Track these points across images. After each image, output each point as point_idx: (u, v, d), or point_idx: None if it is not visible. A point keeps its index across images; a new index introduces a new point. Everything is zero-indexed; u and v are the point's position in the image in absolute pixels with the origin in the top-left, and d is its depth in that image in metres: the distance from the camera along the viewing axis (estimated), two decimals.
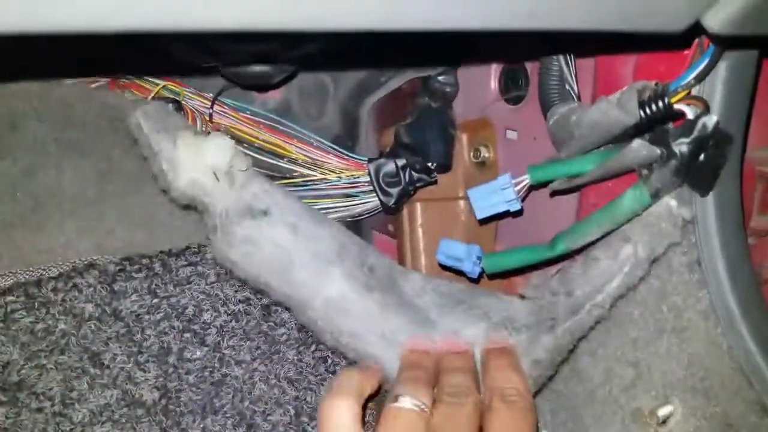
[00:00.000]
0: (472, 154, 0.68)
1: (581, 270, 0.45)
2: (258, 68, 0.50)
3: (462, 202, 0.69)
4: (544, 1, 0.26)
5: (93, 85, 0.61)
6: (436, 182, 0.66)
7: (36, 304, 0.47)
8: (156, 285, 0.50)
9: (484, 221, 0.49)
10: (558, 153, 0.47)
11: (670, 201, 0.42)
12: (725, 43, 0.37)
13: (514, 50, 0.59)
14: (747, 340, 0.43)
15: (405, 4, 0.24)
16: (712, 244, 0.43)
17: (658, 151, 0.40)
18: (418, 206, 0.69)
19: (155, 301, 0.50)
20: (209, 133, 0.61)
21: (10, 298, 0.47)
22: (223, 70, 0.51)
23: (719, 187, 0.43)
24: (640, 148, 0.41)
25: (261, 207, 0.44)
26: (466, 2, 0.24)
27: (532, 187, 0.48)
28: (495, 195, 0.46)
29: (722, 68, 0.40)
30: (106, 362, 0.47)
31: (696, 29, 0.32)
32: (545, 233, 0.59)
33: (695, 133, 0.39)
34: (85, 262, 0.50)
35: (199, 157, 0.43)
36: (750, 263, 0.45)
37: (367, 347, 0.45)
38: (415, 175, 0.66)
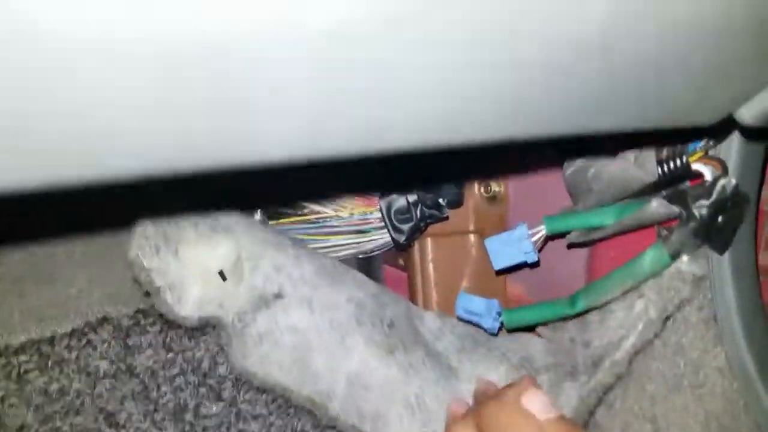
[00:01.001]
0: (482, 188, 0.67)
1: (598, 319, 0.45)
2: None
3: (472, 236, 0.69)
4: (587, 106, 0.25)
5: None
6: (447, 218, 0.66)
7: (50, 363, 0.47)
8: (170, 338, 0.50)
9: (500, 272, 0.49)
10: (575, 204, 0.47)
11: (681, 258, 0.42)
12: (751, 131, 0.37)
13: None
14: (763, 397, 0.43)
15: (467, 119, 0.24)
16: (728, 301, 0.43)
17: (676, 209, 0.40)
18: (429, 241, 0.69)
19: (170, 355, 0.49)
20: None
21: (23, 357, 0.47)
22: None
23: (734, 246, 0.43)
24: (658, 206, 0.40)
25: (274, 290, 0.45)
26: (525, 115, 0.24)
27: (548, 238, 0.47)
28: (512, 246, 0.46)
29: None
30: (121, 422, 0.47)
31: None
32: (557, 272, 0.59)
33: (714, 196, 0.39)
34: (99, 316, 0.49)
35: (205, 266, 0.44)
36: (765, 320, 0.45)
37: (391, 428, 0.45)
38: (427, 211, 0.65)
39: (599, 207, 0.45)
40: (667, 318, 0.42)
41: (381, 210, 0.65)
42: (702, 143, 0.40)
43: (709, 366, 0.43)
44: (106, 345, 0.48)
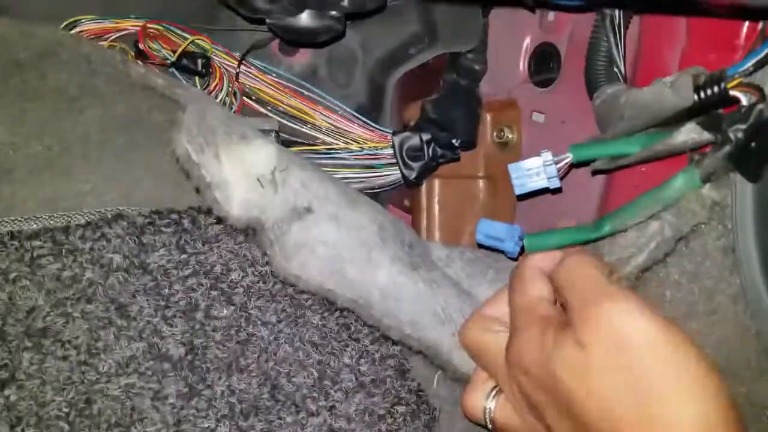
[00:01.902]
0: (495, 134, 0.68)
1: (609, 239, 0.45)
2: (307, 22, 0.49)
3: (481, 182, 0.70)
4: None
5: (120, 33, 0.60)
6: (459, 159, 0.67)
7: (63, 251, 0.46)
8: (185, 241, 0.49)
9: (521, 197, 0.49)
10: (603, 133, 0.47)
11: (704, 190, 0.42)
12: None
13: None
14: None
15: None
16: (747, 230, 0.44)
17: (710, 135, 0.41)
18: (437, 182, 0.69)
19: (183, 256, 0.49)
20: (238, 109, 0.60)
21: (36, 243, 0.46)
22: (271, 21, 0.50)
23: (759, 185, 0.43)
24: (691, 131, 0.41)
25: (304, 204, 0.46)
26: None
27: (573, 166, 0.48)
28: (536, 171, 0.46)
29: None
30: (132, 314, 0.46)
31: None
32: (563, 219, 0.60)
33: (751, 120, 0.39)
34: (114, 213, 0.48)
35: (247, 170, 0.44)
36: None
37: (427, 333, 0.47)
38: (439, 150, 0.66)
39: (629, 135, 0.45)
40: (680, 239, 0.43)
41: (393, 145, 0.65)
42: (742, 68, 0.40)
43: (723, 293, 0.44)
44: (119, 240, 0.48)
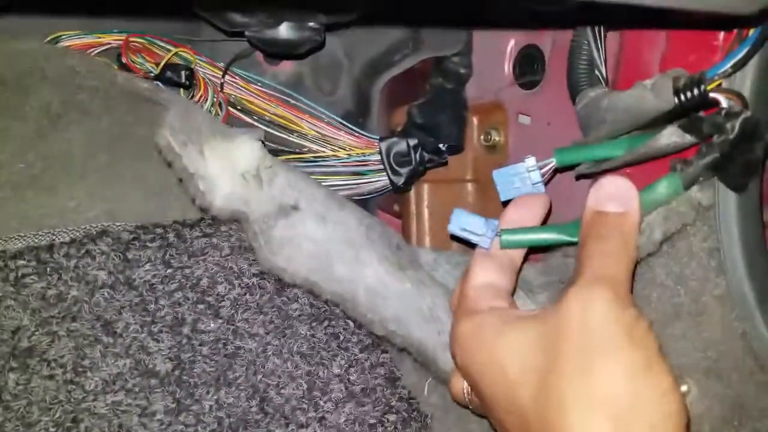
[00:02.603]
0: (482, 137, 0.68)
1: None
2: (286, 34, 0.49)
3: (470, 185, 0.70)
4: None
5: (102, 48, 0.59)
6: (446, 164, 0.66)
7: (48, 269, 0.46)
8: (170, 255, 0.49)
9: (507, 204, 0.49)
10: (585, 137, 0.47)
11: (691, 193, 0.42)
12: None
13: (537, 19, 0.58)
14: (761, 326, 0.44)
15: None
16: (732, 232, 0.44)
17: (690, 138, 0.40)
18: (426, 187, 0.69)
19: (169, 271, 0.49)
20: (225, 112, 0.60)
21: (21, 262, 0.46)
22: (250, 34, 0.50)
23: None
24: (673, 134, 0.41)
25: (290, 202, 0.46)
26: None
27: (557, 171, 0.48)
28: (520, 177, 0.46)
29: (753, 62, 0.41)
30: (118, 331, 0.46)
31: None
32: (556, 209, 0.60)
33: (736, 131, 0.39)
34: (98, 229, 0.48)
35: (231, 166, 0.44)
36: (767, 253, 0.46)
37: (412, 331, 0.47)
38: (426, 155, 0.66)
39: (611, 138, 0.45)
40: (668, 239, 0.43)
41: (381, 152, 0.65)
42: (721, 70, 0.40)
43: (709, 294, 0.44)
44: (104, 257, 0.47)
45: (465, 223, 0.45)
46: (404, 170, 0.65)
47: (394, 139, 0.65)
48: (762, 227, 0.45)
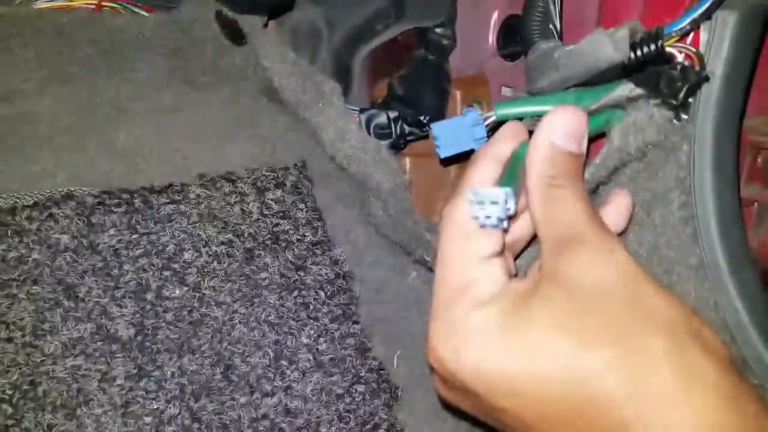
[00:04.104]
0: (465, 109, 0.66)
1: None
2: None
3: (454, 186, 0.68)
4: None
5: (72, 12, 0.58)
6: (427, 137, 0.65)
7: (9, 231, 0.45)
8: (136, 221, 0.49)
9: (446, 161, 0.47)
10: (531, 86, 0.45)
11: (654, 109, 0.40)
12: None
13: None
14: (733, 296, 0.43)
15: None
16: (707, 199, 0.42)
17: (642, 92, 0.39)
18: (407, 161, 0.67)
19: (134, 236, 0.48)
20: None
21: None
22: None
23: (717, 145, 0.42)
24: (625, 88, 0.40)
25: None
26: None
27: (499, 125, 0.45)
28: (463, 132, 0.44)
29: (729, 26, 0.39)
30: (80, 295, 0.45)
31: None
32: None
33: (692, 80, 0.38)
34: (62, 193, 0.48)
35: None
36: (742, 223, 0.45)
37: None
38: (407, 128, 0.64)
39: (558, 92, 0.44)
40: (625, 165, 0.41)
41: (360, 124, 0.64)
42: (679, 27, 0.39)
43: (683, 265, 0.43)
44: (68, 221, 0.47)
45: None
46: (384, 143, 0.64)
47: (374, 111, 0.63)
48: (738, 197, 0.44)
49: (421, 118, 0.65)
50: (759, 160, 0.60)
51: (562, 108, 0.36)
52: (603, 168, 0.41)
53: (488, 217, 0.33)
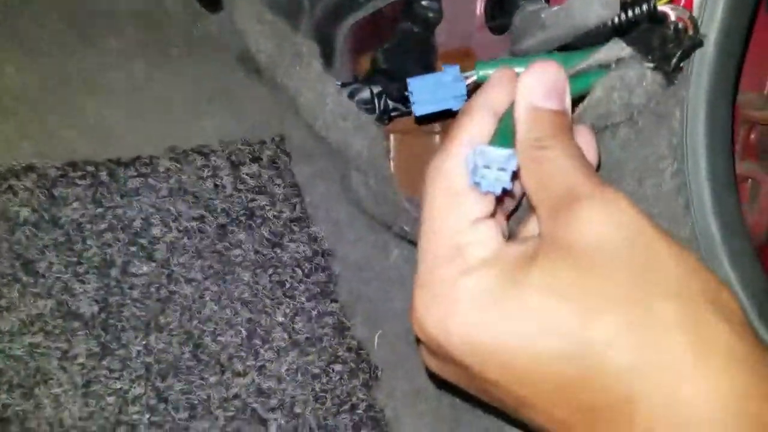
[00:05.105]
0: None
1: None
2: None
3: (437, 137, 0.66)
4: None
5: None
6: (412, 112, 0.63)
7: None
8: (101, 194, 0.46)
9: (421, 120, 0.44)
10: (515, 46, 0.43)
11: (646, 71, 0.38)
12: None
13: None
14: (726, 266, 0.40)
15: None
16: (699, 167, 0.40)
17: (632, 51, 0.37)
18: (392, 138, 0.65)
19: (99, 210, 0.46)
20: None
21: None
22: None
23: (710, 111, 0.40)
24: (614, 48, 0.37)
25: None
26: None
27: (478, 86, 0.43)
28: (442, 89, 0.41)
29: None
30: (40, 271, 0.43)
31: None
32: None
33: (686, 45, 0.36)
34: (24, 165, 0.45)
35: None
36: (737, 192, 0.42)
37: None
38: (391, 103, 0.62)
39: (543, 54, 0.41)
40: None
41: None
42: None
43: (676, 236, 0.41)
44: (28, 193, 0.45)
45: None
46: None
47: (356, 86, 0.61)
48: (732, 165, 0.42)
49: (406, 93, 0.62)
50: (752, 136, 0.58)
51: (536, 65, 0.34)
52: (581, 122, 0.38)
53: (492, 184, 0.30)
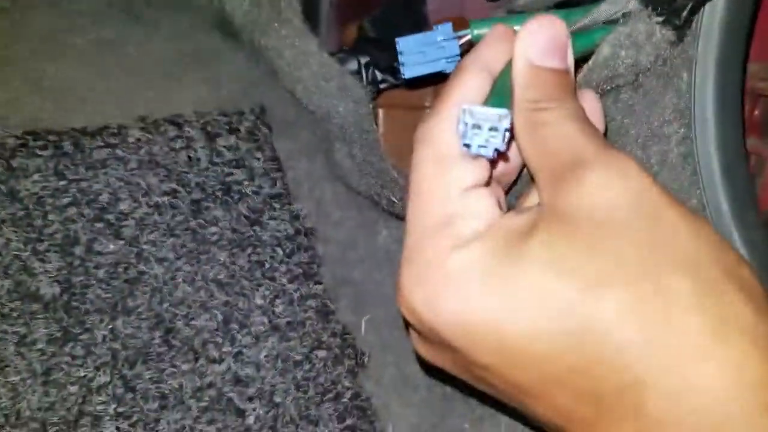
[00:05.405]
0: None
1: None
2: None
3: (431, 106, 0.63)
4: None
5: None
6: (400, 85, 0.60)
7: None
8: (64, 165, 0.43)
9: (411, 83, 0.41)
10: (511, 4, 0.40)
11: (655, 27, 0.35)
12: None
13: None
14: (736, 240, 0.38)
15: None
16: (708, 133, 0.37)
17: (637, 4, 0.34)
18: (381, 113, 0.62)
19: (62, 183, 0.42)
20: None
21: None
22: None
23: (721, 72, 0.37)
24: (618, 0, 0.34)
25: None
26: None
27: (472, 45, 0.40)
28: (433, 49, 0.38)
29: None
30: None
31: None
32: None
33: None
34: None
35: None
36: (747, 161, 0.40)
37: None
38: (380, 74, 0.58)
39: (542, 11, 0.38)
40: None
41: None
42: None
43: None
44: None
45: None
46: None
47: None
48: (742, 133, 0.39)
49: (395, 64, 0.59)
50: (756, 112, 0.55)
51: (533, 20, 0.30)
52: (585, 84, 0.35)
53: (483, 146, 0.27)
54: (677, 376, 0.23)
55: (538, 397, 0.26)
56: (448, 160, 0.29)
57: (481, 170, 0.29)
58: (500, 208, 0.30)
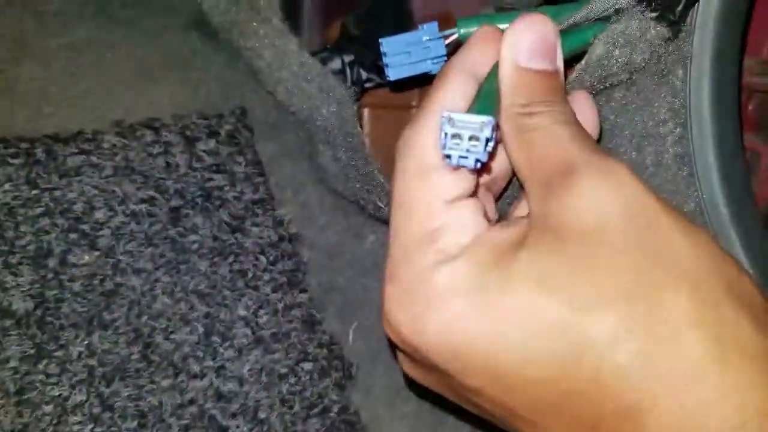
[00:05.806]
0: None
1: None
2: None
3: (415, 112, 0.62)
4: None
5: None
6: (385, 84, 0.58)
7: None
8: (37, 174, 0.41)
9: (397, 85, 0.40)
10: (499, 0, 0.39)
11: (649, 23, 0.34)
12: None
13: None
14: (735, 245, 0.37)
15: None
16: (705, 132, 0.36)
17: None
18: (366, 113, 0.60)
19: (35, 192, 0.41)
20: None
21: None
22: None
23: (717, 68, 0.36)
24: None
25: None
26: None
27: (460, 44, 0.39)
28: (418, 50, 0.36)
29: None
30: None
31: None
32: None
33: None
34: None
35: None
36: (745, 161, 0.38)
37: None
38: (364, 74, 0.57)
39: (531, 8, 0.37)
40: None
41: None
42: None
43: (679, 210, 0.37)
44: None
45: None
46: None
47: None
48: (740, 131, 0.38)
49: (380, 63, 0.58)
50: (750, 107, 0.54)
51: (520, 19, 0.29)
52: (579, 85, 0.34)
53: (464, 156, 0.26)
54: (677, 398, 0.22)
55: (532, 422, 0.25)
56: (431, 172, 0.27)
57: (465, 181, 0.28)
58: (488, 219, 0.29)
